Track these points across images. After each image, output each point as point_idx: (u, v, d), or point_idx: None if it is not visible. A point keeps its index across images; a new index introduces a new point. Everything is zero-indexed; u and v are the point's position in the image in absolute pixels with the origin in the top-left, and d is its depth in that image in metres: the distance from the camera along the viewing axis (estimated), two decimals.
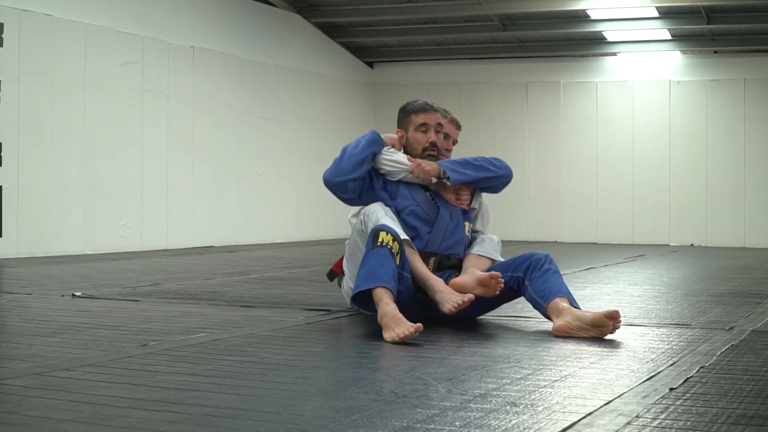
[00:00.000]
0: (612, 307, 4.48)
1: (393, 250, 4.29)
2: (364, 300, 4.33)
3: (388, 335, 4.01)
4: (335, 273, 5.04)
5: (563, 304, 4.31)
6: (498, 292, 4.37)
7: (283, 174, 13.22)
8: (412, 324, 3.97)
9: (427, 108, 4.88)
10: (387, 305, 4.11)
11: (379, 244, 4.29)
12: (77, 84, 9.85)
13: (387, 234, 4.33)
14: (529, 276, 4.47)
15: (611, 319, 4.14)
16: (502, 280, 4.37)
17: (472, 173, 4.79)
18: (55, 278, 6.99)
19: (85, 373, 3.23)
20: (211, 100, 11.78)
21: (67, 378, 3.14)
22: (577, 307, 4.34)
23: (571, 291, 4.46)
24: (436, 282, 4.42)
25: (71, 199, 9.80)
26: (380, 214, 4.53)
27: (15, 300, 5.55)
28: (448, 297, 4.33)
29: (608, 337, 4.15)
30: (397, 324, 4.01)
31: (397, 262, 4.31)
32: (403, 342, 3.95)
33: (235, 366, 3.38)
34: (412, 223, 4.71)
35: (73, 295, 5.76)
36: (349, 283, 4.70)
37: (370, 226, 4.45)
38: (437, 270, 4.63)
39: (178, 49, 11.22)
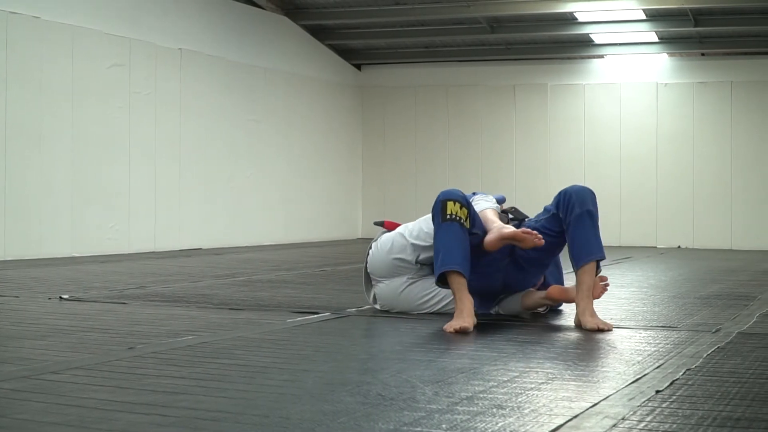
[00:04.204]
0: None
1: (462, 220, 4.56)
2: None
3: (447, 324, 4.43)
4: (384, 226, 5.16)
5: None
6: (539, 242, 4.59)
7: (271, 176, 13.22)
8: (465, 321, 4.36)
9: None
10: (463, 296, 4.47)
11: (449, 217, 4.55)
12: (65, 86, 9.83)
13: (455, 204, 4.58)
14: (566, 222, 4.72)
15: None
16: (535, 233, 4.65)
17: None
18: (43, 281, 6.98)
19: (73, 376, 3.23)
20: (199, 103, 11.77)
21: (55, 381, 3.14)
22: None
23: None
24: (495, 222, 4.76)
25: (59, 201, 9.78)
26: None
27: (2, 303, 5.54)
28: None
29: (594, 338, 4.18)
30: (456, 317, 4.43)
31: (468, 226, 4.59)
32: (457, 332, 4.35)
33: (222, 369, 3.39)
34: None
35: (60, 297, 5.75)
36: (408, 239, 4.96)
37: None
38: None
39: (165, 52, 11.20)
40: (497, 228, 4.65)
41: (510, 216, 5.04)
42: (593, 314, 4.50)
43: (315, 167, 14.29)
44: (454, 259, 4.48)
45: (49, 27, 9.68)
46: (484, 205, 4.88)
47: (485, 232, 4.69)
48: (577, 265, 4.58)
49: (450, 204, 4.55)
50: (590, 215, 4.61)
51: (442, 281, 4.61)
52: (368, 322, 4.79)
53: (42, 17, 9.61)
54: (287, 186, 13.56)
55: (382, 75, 15.56)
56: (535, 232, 4.57)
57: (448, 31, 14.16)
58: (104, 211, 10.32)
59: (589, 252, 4.56)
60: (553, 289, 4.75)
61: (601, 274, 4.72)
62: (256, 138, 12.90)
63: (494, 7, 12.85)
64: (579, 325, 4.52)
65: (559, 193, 4.74)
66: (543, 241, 4.57)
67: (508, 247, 4.75)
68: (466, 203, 4.61)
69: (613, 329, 4.47)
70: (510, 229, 4.63)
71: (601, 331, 4.40)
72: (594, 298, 4.62)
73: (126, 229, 10.59)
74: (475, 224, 4.67)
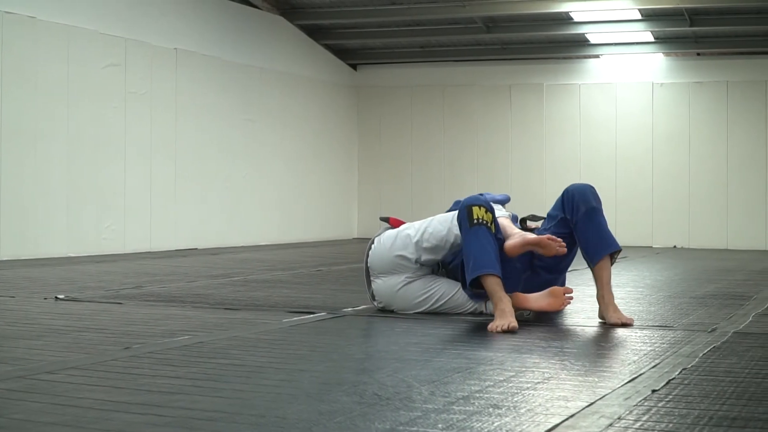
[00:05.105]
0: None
1: (488, 224, 4.60)
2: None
3: (491, 325, 4.39)
4: (389, 222, 5.17)
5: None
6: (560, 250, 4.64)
7: (267, 176, 13.21)
8: (513, 321, 4.37)
9: None
10: (502, 296, 4.48)
11: (476, 221, 4.58)
12: (60, 86, 9.82)
13: (480, 208, 4.62)
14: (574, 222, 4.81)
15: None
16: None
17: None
18: (39, 281, 6.97)
19: (68, 376, 3.22)
20: (194, 103, 11.76)
21: (50, 381, 3.13)
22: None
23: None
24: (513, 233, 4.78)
25: (55, 201, 9.77)
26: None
27: None
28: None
29: (590, 337, 4.18)
30: (500, 317, 4.41)
31: (493, 231, 4.62)
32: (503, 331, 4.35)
33: (218, 369, 3.38)
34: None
35: (56, 297, 5.75)
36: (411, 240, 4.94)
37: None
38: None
39: (161, 52, 11.19)
40: (520, 234, 4.69)
41: (528, 224, 5.14)
42: (616, 309, 4.66)
43: (311, 167, 14.29)
44: (488, 262, 4.53)
45: (45, 27, 9.67)
46: (497, 214, 4.89)
47: (505, 238, 4.72)
48: (593, 262, 4.70)
49: (476, 209, 4.61)
50: (595, 211, 4.73)
51: (475, 285, 4.64)
52: (364, 322, 4.79)
53: (37, 17, 9.60)
54: (283, 186, 13.55)
55: (378, 75, 15.55)
56: (559, 239, 4.62)
57: (443, 30, 14.17)
58: (100, 211, 10.31)
59: (604, 246, 4.69)
60: (515, 296, 4.73)
61: (567, 286, 4.83)
62: (252, 138, 12.90)
63: (490, 7, 12.85)
64: (603, 319, 4.70)
65: (561, 195, 4.81)
66: (566, 249, 4.64)
67: (528, 257, 4.78)
68: (490, 208, 4.67)
69: (634, 323, 4.67)
70: (533, 235, 4.68)
71: (624, 326, 4.56)
72: (553, 310, 4.72)
73: (122, 229, 10.58)
74: (498, 229, 4.72)
